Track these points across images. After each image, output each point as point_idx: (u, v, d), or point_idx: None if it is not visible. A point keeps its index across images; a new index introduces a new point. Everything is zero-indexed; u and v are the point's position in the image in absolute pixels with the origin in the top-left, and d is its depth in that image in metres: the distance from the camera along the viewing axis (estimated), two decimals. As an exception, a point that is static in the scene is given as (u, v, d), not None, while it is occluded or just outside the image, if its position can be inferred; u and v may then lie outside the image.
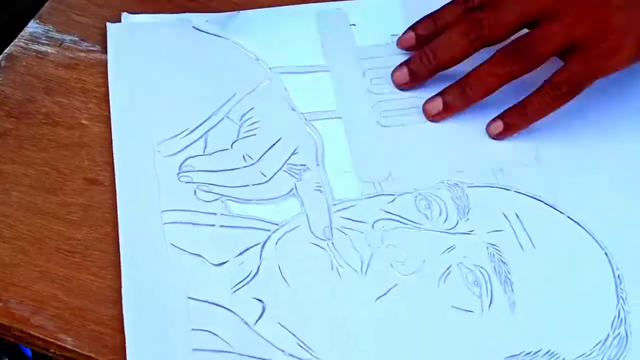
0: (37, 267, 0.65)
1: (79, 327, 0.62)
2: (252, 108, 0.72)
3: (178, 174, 0.68)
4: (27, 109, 0.73)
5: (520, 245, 0.66)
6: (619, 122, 0.74)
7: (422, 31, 0.76)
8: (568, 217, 0.68)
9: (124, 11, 0.77)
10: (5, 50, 0.76)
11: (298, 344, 0.61)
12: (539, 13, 0.71)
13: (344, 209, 0.68)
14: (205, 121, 0.71)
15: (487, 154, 0.72)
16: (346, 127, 0.73)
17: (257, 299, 0.63)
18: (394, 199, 0.68)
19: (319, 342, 0.61)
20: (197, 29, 0.77)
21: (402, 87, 0.75)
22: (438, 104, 0.73)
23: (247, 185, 0.68)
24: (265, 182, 0.69)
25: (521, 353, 0.61)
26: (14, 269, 0.64)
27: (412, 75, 0.74)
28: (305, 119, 0.72)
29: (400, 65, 0.75)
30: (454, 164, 0.71)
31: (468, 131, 0.73)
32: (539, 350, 0.62)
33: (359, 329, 0.62)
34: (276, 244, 0.65)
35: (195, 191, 0.67)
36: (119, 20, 0.77)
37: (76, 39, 0.77)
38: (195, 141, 0.70)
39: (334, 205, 0.68)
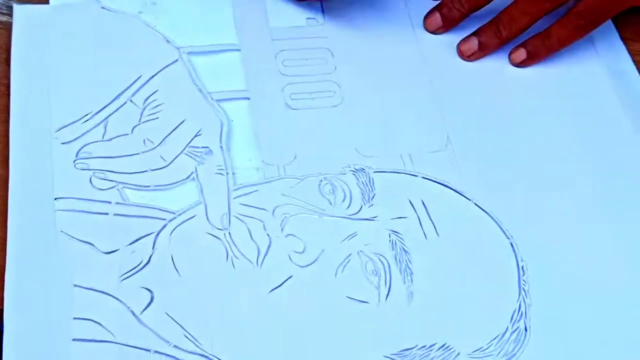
0: None
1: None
2: (157, 90, 0.70)
3: (74, 161, 0.66)
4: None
5: (424, 233, 0.64)
6: (529, 113, 0.72)
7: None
8: (475, 204, 0.66)
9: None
10: None
11: (185, 336, 0.59)
12: None
13: (245, 194, 0.66)
14: (106, 106, 0.69)
15: (396, 139, 0.70)
16: (253, 108, 0.70)
17: (145, 288, 0.61)
18: (297, 183, 0.66)
19: (206, 335, 0.59)
20: (106, 9, 0.75)
21: (436, 31, 0.76)
22: (474, 44, 0.75)
23: (146, 171, 0.66)
24: (165, 166, 0.66)
25: (415, 347, 0.60)
26: None
27: (445, 20, 0.76)
28: (212, 99, 0.70)
29: (432, 11, 0.76)
30: (362, 149, 0.69)
31: (377, 115, 0.71)
32: (434, 344, 0.60)
33: (249, 322, 0.60)
34: (171, 233, 0.63)
35: (90, 179, 0.66)
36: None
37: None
38: (94, 127, 0.68)
39: (235, 190, 0.66)
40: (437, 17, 0.76)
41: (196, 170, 0.66)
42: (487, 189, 0.67)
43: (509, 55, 0.75)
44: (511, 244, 0.64)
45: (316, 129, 0.70)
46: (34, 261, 0.61)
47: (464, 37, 0.75)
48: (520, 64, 0.74)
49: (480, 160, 0.69)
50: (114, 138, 0.67)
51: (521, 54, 0.74)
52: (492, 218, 0.66)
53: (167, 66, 0.71)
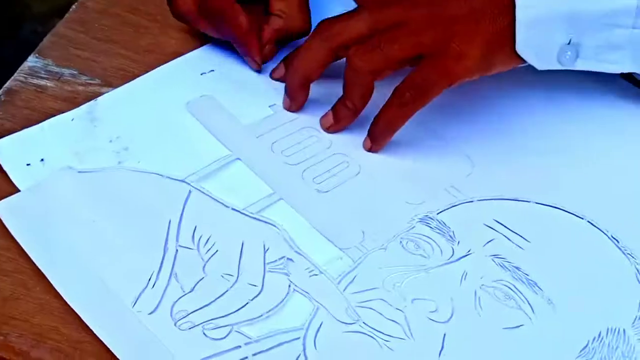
0: (36, 300, 0.63)
1: (79, 362, 0.59)
2: (196, 226, 0.67)
3: (175, 324, 0.61)
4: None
5: (518, 245, 0.67)
6: (531, 115, 0.77)
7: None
8: (535, 202, 0.70)
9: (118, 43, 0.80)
10: (5, 85, 0.77)
11: None
12: (389, 22, 0.71)
13: (349, 283, 0.64)
14: (162, 260, 0.65)
15: (432, 178, 0.72)
16: (294, 206, 0.69)
17: None
18: (384, 252, 0.66)
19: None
20: (85, 172, 0.69)
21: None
22: (329, 118, 0.74)
23: (247, 303, 0.63)
24: (260, 292, 0.64)
25: (588, 343, 0.62)
26: (14, 302, 0.63)
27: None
28: (251, 214, 0.68)
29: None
30: (412, 199, 0.70)
31: (399, 164, 0.73)
32: (600, 332, 0.63)
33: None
34: (316, 348, 0.61)
35: (204, 333, 0.61)
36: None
37: (75, 72, 0.78)
38: (167, 284, 0.63)
39: (338, 284, 0.64)
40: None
41: (292, 282, 0.64)
42: (531, 185, 0.71)
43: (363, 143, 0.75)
44: (589, 222, 0.69)
45: (359, 200, 0.70)
46: None
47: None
48: (370, 150, 0.73)
49: (505, 168, 0.73)
50: (195, 286, 0.63)
51: (367, 142, 0.74)
52: (556, 208, 0.70)
53: (186, 201, 0.68)
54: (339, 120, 0.74)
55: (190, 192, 0.69)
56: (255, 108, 0.76)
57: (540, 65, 0.72)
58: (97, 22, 0.82)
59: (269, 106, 0.76)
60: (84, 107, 0.74)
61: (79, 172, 0.69)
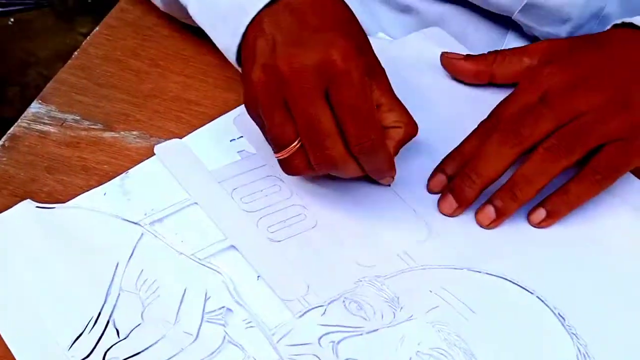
0: None
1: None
2: (142, 270, 0.67)
3: None
4: (30, 188, 0.74)
5: (461, 314, 0.66)
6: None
7: (451, 170, 0.74)
8: (486, 273, 0.70)
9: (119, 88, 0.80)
10: (9, 131, 0.78)
11: None
12: (577, 113, 0.71)
13: (284, 335, 0.65)
14: (103, 304, 0.65)
15: (387, 242, 0.71)
16: (243, 253, 0.69)
17: None
18: (325, 310, 0.66)
19: None
20: (43, 207, 0.71)
21: (452, 215, 0.73)
22: (490, 213, 0.72)
23: (179, 352, 0.63)
24: (195, 340, 0.64)
25: None
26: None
27: (460, 201, 0.72)
28: (199, 259, 0.69)
29: (444, 195, 0.73)
30: (363, 261, 0.70)
31: (354, 227, 0.72)
32: None
33: None
34: None
35: None
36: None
37: (77, 117, 0.79)
38: (104, 330, 0.64)
39: (273, 335, 0.65)
40: (450, 200, 0.73)
41: (227, 334, 0.64)
42: (486, 256, 0.70)
43: (528, 215, 0.73)
44: (538, 297, 0.68)
45: (310, 253, 0.70)
46: None
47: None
48: (539, 224, 0.73)
49: (466, 233, 0.72)
50: (130, 333, 0.64)
51: (540, 214, 0.72)
52: (507, 280, 0.69)
53: (137, 243, 0.69)
54: (502, 214, 0.72)
55: (142, 235, 0.70)
56: (222, 153, 0.76)
57: None
58: (98, 68, 0.84)
59: (237, 152, 0.77)
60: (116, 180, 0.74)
61: (37, 206, 0.71)
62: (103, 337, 0.64)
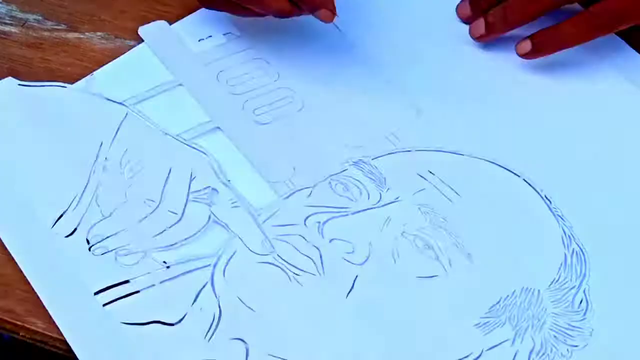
0: (2, 252, 0.62)
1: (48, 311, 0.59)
2: (126, 149, 0.67)
3: (90, 248, 0.62)
4: (-10, 91, 0.70)
5: (447, 197, 0.66)
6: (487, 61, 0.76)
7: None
8: (473, 156, 0.69)
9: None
10: None
11: None
12: None
13: (270, 216, 0.64)
14: (87, 184, 0.65)
15: (375, 124, 0.70)
16: (229, 136, 0.69)
17: (235, 339, 0.58)
18: (311, 192, 0.66)
19: (315, 358, 0.58)
20: (25, 85, 0.70)
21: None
22: (481, 26, 0.74)
23: (164, 230, 0.63)
24: (180, 220, 0.64)
25: (499, 300, 0.62)
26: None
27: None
28: (184, 140, 0.68)
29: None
30: (349, 142, 0.69)
31: (343, 107, 0.71)
32: (514, 291, 0.62)
33: (345, 330, 0.60)
34: (224, 276, 0.61)
35: (116, 258, 0.61)
36: None
37: (40, 17, 0.76)
38: (88, 208, 0.63)
39: (259, 216, 0.64)
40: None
41: (212, 213, 0.64)
42: (475, 139, 0.70)
43: (516, 45, 0.73)
44: (524, 180, 0.68)
45: (296, 136, 0.69)
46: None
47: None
48: (525, 56, 0.73)
49: (453, 116, 0.71)
50: (114, 211, 0.64)
51: (526, 46, 0.72)
52: (494, 164, 0.69)
53: (121, 123, 0.68)
54: (491, 31, 0.74)
55: (127, 114, 0.69)
56: (209, 35, 0.75)
57: None
58: (63, -36, 0.81)
59: (224, 34, 0.75)
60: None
61: (19, 84, 0.70)
62: (87, 214, 0.63)
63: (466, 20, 0.77)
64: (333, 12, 0.68)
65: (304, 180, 0.67)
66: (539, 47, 0.72)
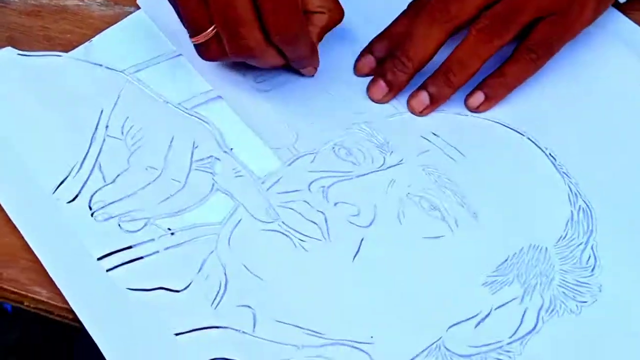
0: (6, 221, 0.62)
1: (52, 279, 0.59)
2: (127, 117, 0.66)
3: (92, 214, 0.62)
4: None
5: (452, 158, 0.66)
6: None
7: (380, 52, 0.71)
8: (476, 116, 0.69)
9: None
10: None
11: (306, 334, 0.58)
12: None
13: (274, 183, 0.64)
14: (88, 150, 0.64)
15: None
16: (231, 104, 0.68)
17: (242, 306, 0.58)
18: (314, 157, 0.66)
19: (323, 322, 0.58)
20: (25, 55, 0.69)
21: (383, 101, 0.69)
22: (424, 98, 0.69)
23: (168, 198, 0.63)
24: (183, 187, 0.63)
25: (507, 258, 0.62)
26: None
27: (391, 86, 0.69)
28: (185, 109, 0.67)
29: (374, 79, 0.69)
30: (351, 107, 0.69)
31: (351, 72, 0.71)
32: (522, 248, 0.62)
33: (352, 293, 0.60)
34: (229, 244, 0.61)
35: (119, 225, 0.61)
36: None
37: None
38: (90, 174, 0.63)
39: (262, 184, 0.64)
40: (381, 85, 0.69)
41: (215, 182, 0.64)
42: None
43: (465, 100, 0.69)
44: (528, 138, 0.67)
45: (298, 102, 0.69)
46: (116, 329, 0.57)
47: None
48: (477, 109, 0.69)
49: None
50: (117, 177, 0.63)
51: (479, 97, 0.69)
52: (498, 123, 0.68)
53: (121, 91, 0.68)
54: (437, 100, 0.68)
55: (127, 82, 0.68)
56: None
57: None
58: None
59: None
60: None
61: (19, 54, 0.69)
62: (89, 181, 0.63)
63: (382, 100, 0.70)
64: (316, 69, 0.70)
65: (307, 146, 0.66)
66: (491, 96, 0.69)
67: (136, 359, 0.56)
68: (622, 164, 0.67)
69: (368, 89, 0.70)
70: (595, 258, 0.62)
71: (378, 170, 0.65)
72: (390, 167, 0.65)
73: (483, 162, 0.66)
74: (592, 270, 0.62)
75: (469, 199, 0.63)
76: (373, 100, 0.70)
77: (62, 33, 0.72)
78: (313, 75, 0.70)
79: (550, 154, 0.67)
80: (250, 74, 0.70)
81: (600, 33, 0.74)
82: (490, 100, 0.69)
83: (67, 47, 0.71)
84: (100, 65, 0.69)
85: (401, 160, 0.65)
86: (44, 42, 0.71)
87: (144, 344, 0.57)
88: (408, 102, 0.69)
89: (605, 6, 0.72)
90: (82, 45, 0.70)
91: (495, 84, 0.69)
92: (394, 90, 0.69)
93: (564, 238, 0.63)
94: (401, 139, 0.67)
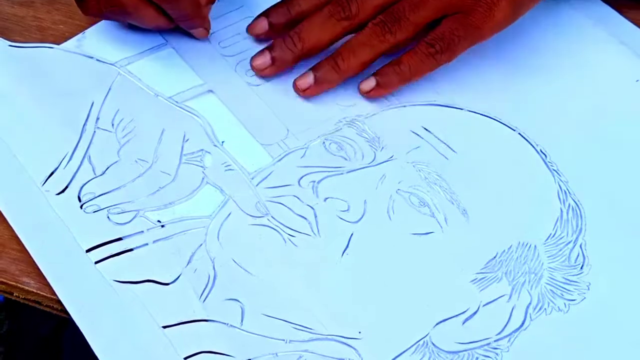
0: None
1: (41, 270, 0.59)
2: (118, 110, 0.66)
3: (81, 206, 0.61)
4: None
5: (443, 155, 0.66)
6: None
7: (276, 19, 0.70)
8: (468, 110, 0.69)
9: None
10: None
11: (294, 328, 0.58)
12: None
13: (264, 179, 0.64)
14: (78, 142, 0.64)
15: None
16: (221, 98, 0.68)
17: (230, 299, 0.58)
18: (305, 152, 0.66)
19: (311, 317, 0.58)
20: (16, 46, 0.69)
21: (263, 74, 0.69)
22: (309, 79, 0.68)
23: (157, 190, 0.63)
24: (173, 180, 0.63)
25: (496, 255, 0.62)
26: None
27: (275, 62, 0.69)
28: (176, 102, 0.67)
29: (262, 50, 0.69)
30: (343, 101, 0.69)
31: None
32: (510, 246, 0.62)
33: (341, 289, 0.59)
34: (218, 238, 0.61)
35: (108, 217, 0.61)
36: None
37: None
38: (80, 166, 0.63)
39: (252, 179, 0.64)
40: (266, 57, 0.69)
41: (206, 176, 0.64)
42: (471, 92, 0.70)
43: (358, 85, 0.69)
44: (519, 134, 0.67)
45: (288, 97, 0.69)
46: (104, 321, 0.57)
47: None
48: (369, 94, 0.69)
49: (448, 69, 0.70)
50: (107, 170, 0.63)
51: (370, 82, 0.68)
52: (489, 117, 0.68)
53: (112, 84, 0.67)
54: (322, 82, 0.69)
55: (118, 75, 0.68)
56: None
57: None
58: None
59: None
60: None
61: (10, 45, 0.69)
62: (78, 172, 0.63)
63: (263, 72, 0.69)
64: (207, 30, 0.70)
65: (298, 142, 0.66)
66: (384, 83, 0.69)
67: (124, 351, 0.56)
68: (613, 163, 0.67)
69: (252, 57, 0.70)
70: (584, 257, 0.62)
71: (369, 166, 0.65)
72: (380, 163, 0.65)
73: (474, 159, 0.66)
74: (581, 268, 0.62)
75: (458, 196, 0.63)
76: (252, 68, 0.69)
77: (54, 24, 0.72)
78: (206, 37, 0.70)
79: (541, 150, 0.67)
80: (242, 68, 0.70)
81: (595, 31, 0.74)
82: (382, 87, 0.69)
83: (60, 37, 0.70)
84: (92, 57, 0.69)
85: (392, 156, 0.65)
86: (36, 32, 0.71)
87: (132, 336, 0.56)
88: (294, 81, 0.69)
89: (527, 8, 0.70)
90: (75, 37, 0.70)
91: (388, 71, 0.69)
92: (275, 66, 0.69)
93: (553, 236, 0.63)
94: (392, 134, 0.67)
